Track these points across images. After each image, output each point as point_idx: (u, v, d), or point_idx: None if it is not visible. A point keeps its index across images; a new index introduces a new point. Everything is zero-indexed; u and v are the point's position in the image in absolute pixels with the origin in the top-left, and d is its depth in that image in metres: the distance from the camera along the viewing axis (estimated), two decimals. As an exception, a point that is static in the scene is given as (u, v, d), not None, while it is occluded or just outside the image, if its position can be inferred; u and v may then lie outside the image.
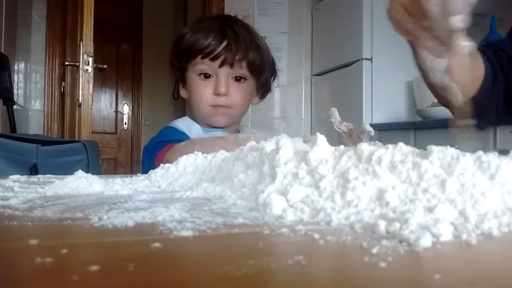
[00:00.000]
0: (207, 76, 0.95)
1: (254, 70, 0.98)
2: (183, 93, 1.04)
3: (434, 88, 0.68)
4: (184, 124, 0.98)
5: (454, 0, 0.50)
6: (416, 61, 0.65)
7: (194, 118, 1.02)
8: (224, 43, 0.93)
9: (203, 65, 0.94)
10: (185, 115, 1.08)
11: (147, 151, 0.93)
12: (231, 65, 0.94)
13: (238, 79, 0.97)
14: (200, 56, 0.94)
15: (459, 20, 0.50)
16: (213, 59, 0.93)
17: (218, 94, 0.94)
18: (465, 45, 0.51)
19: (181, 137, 0.92)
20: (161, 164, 0.55)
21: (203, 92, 0.95)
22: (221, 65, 0.94)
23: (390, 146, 0.33)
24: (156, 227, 0.26)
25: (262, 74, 1.01)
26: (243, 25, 0.99)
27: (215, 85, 0.94)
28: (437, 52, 0.56)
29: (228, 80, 0.95)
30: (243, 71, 0.96)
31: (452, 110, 0.68)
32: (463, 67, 0.65)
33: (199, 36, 0.94)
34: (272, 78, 1.05)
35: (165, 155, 0.81)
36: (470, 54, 0.53)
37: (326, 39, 2.77)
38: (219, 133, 0.97)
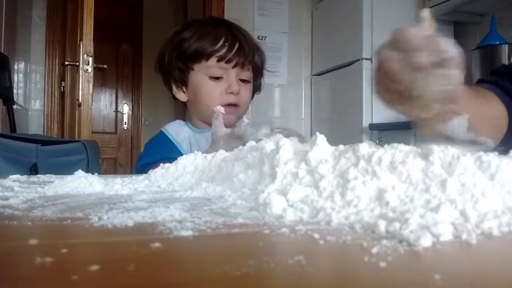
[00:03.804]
0: (217, 77, 0.97)
1: (256, 72, 1.03)
2: (181, 96, 1.04)
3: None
4: (173, 128, 1.01)
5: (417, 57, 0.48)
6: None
7: (195, 120, 1.03)
8: (237, 45, 0.97)
9: (216, 67, 0.96)
10: (185, 116, 1.08)
11: (137, 172, 0.97)
12: (242, 66, 0.98)
13: (243, 81, 1.00)
14: (215, 59, 0.95)
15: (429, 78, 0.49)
16: (228, 61, 0.96)
17: (231, 93, 0.96)
18: (438, 90, 0.49)
19: (168, 150, 0.94)
20: (161, 164, 0.55)
21: (214, 92, 0.97)
22: (234, 66, 0.97)
23: (390, 146, 0.33)
24: (156, 227, 0.26)
25: (261, 76, 1.07)
26: (243, 29, 1.04)
27: (227, 85, 0.97)
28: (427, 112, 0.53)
29: (237, 80, 0.98)
30: (248, 73, 1.01)
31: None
32: (481, 116, 0.62)
33: (210, 38, 0.96)
34: (262, 79, 1.10)
35: None
36: (451, 98, 0.51)
37: (326, 39, 2.77)
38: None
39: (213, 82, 0.97)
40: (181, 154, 0.95)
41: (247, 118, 0.91)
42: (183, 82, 1.02)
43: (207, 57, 0.96)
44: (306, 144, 0.42)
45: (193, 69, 0.99)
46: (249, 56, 0.98)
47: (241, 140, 0.84)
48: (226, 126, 0.89)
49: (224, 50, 0.95)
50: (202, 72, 0.97)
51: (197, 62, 0.98)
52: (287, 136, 0.46)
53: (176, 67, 1.01)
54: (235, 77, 0.97)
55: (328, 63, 2.71)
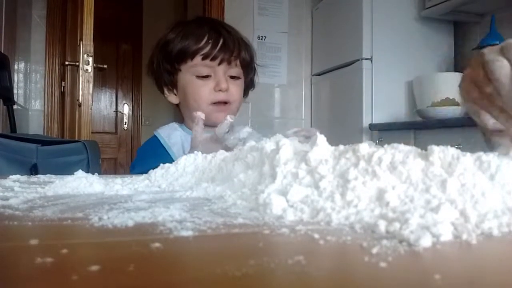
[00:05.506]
0: (204, 76, 0.96)
1: (246, 67, 1.02)
2: (172, 98, 1.03)
3: None
4: (165, 132, 1.00)
5: None
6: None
7: (189, 121, 1.02)
8: (221, 42, 0.96)
9: (202, 66, 0.95)
10: (184, 116, 1.08)
11: None
12: (229, 62, 0.97)
13: (232, 77, 0.99)
14: (200, 57, 0.95)
15: None
16: (213, 58, 0.95)
17: (220, 90, 0.95)
18: None
19: (159, 156, 0.92)
20: (161, 164, 0.55)
21: (203, 90, 0.96)
22: (220, 63, 0.96)
23: (390, 146, 0.33)
24: (156, 227, 0.26)
25: (251, 72, 1.05)
26: (229, 25, 1.03)
27: (215, 82, 0.96)
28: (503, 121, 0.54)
29: (226, 77, 0.97)
30: (237, 69, 0.99)
31: None
32: None
33: (193, 37, 0.96)
34: (254, 75, 1.09)
35: None
36: None
37: (326, 39, 2.77)
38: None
39: (201, 81, 0.96)
40: (172, 160, 0.94)
41: (231, 118, 0.88)
42: (173, 84, 1.01)
43: (192, 56, 0.95)
44: (306, 144, 0.42)
45: (180, 70, 0.98)
46: (234, 52, 0.97)
47: (221, 144, 0.80)
48: (218, 124, 0.88)
49: (208, 47, 0.94)
50: (189, 72, 0.97)
51: (183, 62, 0.97)
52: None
53: (165, 69, 1.00)
54: (222, 74, 0.96)
55: (328, 63, 2.71)
